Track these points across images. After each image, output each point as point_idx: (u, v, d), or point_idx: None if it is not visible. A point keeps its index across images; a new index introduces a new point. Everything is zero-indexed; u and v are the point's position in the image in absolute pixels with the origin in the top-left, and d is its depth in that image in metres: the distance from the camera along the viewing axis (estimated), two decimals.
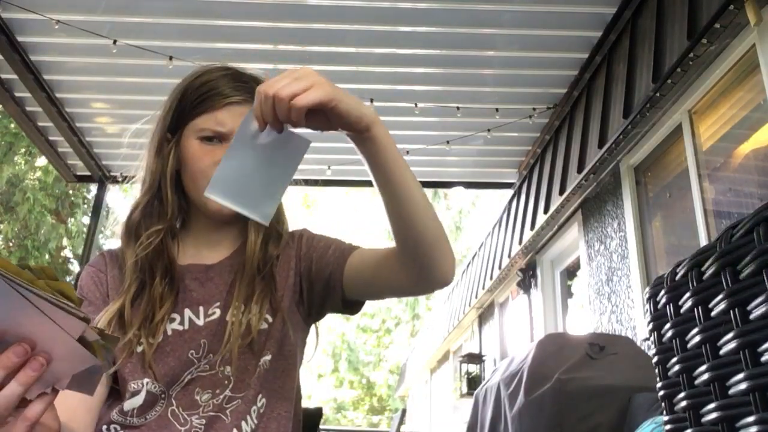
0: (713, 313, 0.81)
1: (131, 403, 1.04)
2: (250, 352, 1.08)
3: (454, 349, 9.55)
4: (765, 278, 0.69)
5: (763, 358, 0.70)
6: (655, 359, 0.98)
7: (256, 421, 1.08)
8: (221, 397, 1.06)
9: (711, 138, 3.27)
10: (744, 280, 0.74)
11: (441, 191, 18.39)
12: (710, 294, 0.81)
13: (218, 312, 1.11)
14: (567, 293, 5.50)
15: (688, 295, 0.87)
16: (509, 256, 5.82)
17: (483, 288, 6.95)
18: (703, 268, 0.83)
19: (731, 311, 0.75)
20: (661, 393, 0.95)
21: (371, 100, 4.57)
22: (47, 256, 12.29)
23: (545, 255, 5.59)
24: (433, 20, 3.93)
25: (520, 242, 5.46)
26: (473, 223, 19.68)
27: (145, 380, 1.05)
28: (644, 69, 3.36)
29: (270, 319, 1.12)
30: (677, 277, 0.91)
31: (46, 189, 12.25)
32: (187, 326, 1.09)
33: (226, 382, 1.06)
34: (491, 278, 6.56)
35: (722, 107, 3.17)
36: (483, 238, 7.53)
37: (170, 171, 1.12)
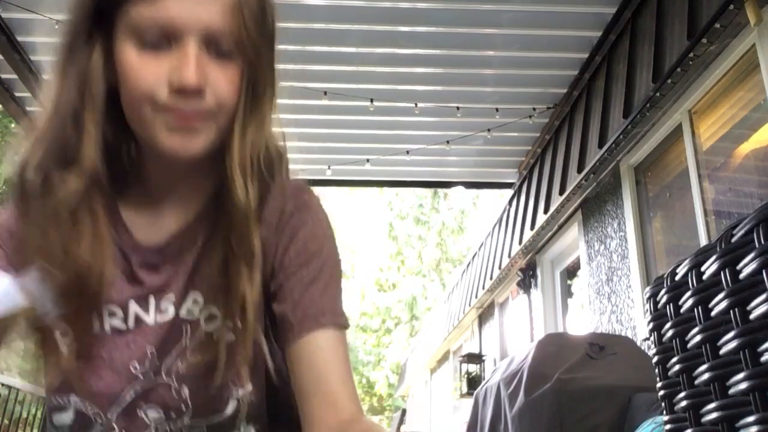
0: (713, 313, 0.81)
1: (60, 419, 0.81)
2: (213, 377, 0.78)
3: (454, 349, 9.55)
4: (765, 278, 0.69)
5: (763, 358, 0.70)
6: (655, 359, 0.98)
7: None
8: (178, 422, 0.80)
9: (711, 138, 3.26)
10: (744, 280, 0.74)
11: (441, 191, 18.41)
12: (710, 294, 0.81)
13: (171, 308, 0.80)
14: (567, 293, 5.50)
15: (688, 294, 0.87)
16: (509, 256, 5.82)
17: (483, 288, 6.95)
18: (703, 268, 0.83)
19: (731, 311, 0.75)
20: (661, 393, 0.95)
21: (371, 100, 4.57)
22: None
23: (545, 255, 5.59)
24: (433, 20, 3.93)
25: (520, 242, 5.46)
26: (473, 223, 19.69)
27: (72, 397, 0.79)
28: (644, 69, 3.36)
29: (238, 328, 0.79)
30: (677, 277, 0.91)
31: None
32: (131, 325, 0.79)
33: (182, 406, 0.79)
34: (491, 278, 6.56)
35: (722, 107, 3.17)
36: (483, 238, 7.53)
37: (93, 91, 0.74)
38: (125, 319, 0.79)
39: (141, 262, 0.81)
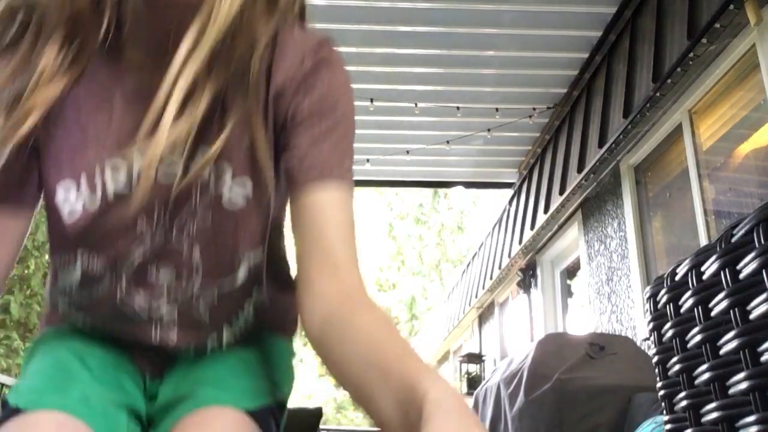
0: (713, 313, 0.81)
1: (65, 278, 0.79)
2: (228, 238, 0.77)
3: (454, 349, 9.55)
4: (765, 278, 0.69)
5: (763, 358, 0.70)
6: (655, 359, 0.98)
7: (251, 315, 0.84)
8: (190, 285, 0.78)
9: (711, 138, 3.26)
10: (744, 280, 0.74)
11: (441, 191, 18.41)
12: (710, 294, 0.81)
13: (180, 165, 0.74)
14: (567, 293, 5.50)
15: (688, 294, 0.87)
16: (509, 256, 5.82)
17: (483, 288, 6.95)
18: (703, 268, 0.83)
19: (731, 311, 0.75)
20: (661, 393, 0.95)
21: (371, 100, 4.57)
22: (47, 256, 12.31)
23: (545, 255, 5.59)
24: (433, 20, 3.93)
25: (520, 242, 5.46)
26: (473, 223, 19.69)
27: (78, 253, 0.77)
28: (644, 69, 3.36)
29: (249, 184, 0.76)
30: (677, 277, 0.91)
31: None
32: (135, 181, 0.74)
33: (194, 267, 0.78)
34: (491, 278, 6.56)
35: (722, 107, 3.17)
36: (483, 238, 7.53)
37: None
38: (129, 174, 0.74)
39: (135, 102, 0.74)
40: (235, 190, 0.75)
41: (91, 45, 0.72)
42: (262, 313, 0.86)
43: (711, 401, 0.80)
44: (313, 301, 0.68)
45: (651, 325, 0.99)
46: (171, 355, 0.86)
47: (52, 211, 0.74)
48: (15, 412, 0.70)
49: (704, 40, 2.83)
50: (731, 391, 0.76)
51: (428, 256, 19.90)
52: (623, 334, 3.80)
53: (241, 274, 0.80)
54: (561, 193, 4.46)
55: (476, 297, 7.32)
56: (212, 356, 0.84)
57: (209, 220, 0.75)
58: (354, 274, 0.69)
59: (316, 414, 4.10)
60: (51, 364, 0.79)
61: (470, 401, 3.01)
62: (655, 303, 0.98)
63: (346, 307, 0.65)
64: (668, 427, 0.92)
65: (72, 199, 0.73)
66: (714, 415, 0.79)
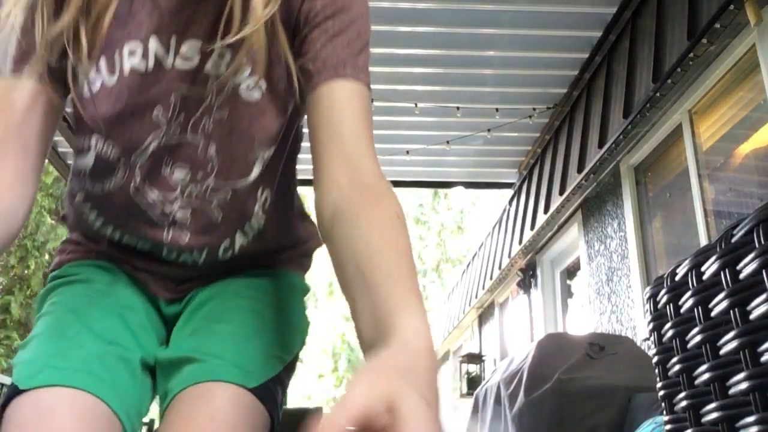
0: (713, 313, 0.81)
1: (81, 162, 0.80)
2: (244, 135, 0.78)
3: (454, 349, 9.55)
4: (765, 278, 0.69)
5: (763, 358, 0.70)
6: (655, 359, 0.98)
7: (262, 220, 0.84)
8: (203, 183, 0.79)
9: (711, 138, 3.26)
10: (744, 280, 0.74)
11: (441, 191, 18.40)
12: (710, 294, 0.81)
13: (197, 58, 0.75)
14: (567, 293, 5.50)
15: (688, 295, 0.87)
16: (509, 256, 5.82)
17: (483, 288, 6.95)
18: (703, 268, 0.83)
19: (731, 311, 0.75)
20: (661, 393, 0.95)
21: (371, 100, 4.56)
22: (46, 256, 12.31)
23: (545, 255, 5.59)
24: (433, 20, 3.92)
25: (520, 242, 5.46)
26: (473, 223, 19.67)
27: (93, 139, 0.78)
28: (644, 69, 3.36)
29: (265, 84, 0.77)
30: (677, 277, 0.91)
31: (45, 189, 12.26)
32: (151, 66, 0.75)
33: (208, 165, 0.79)
34: (491, 278, 6.56)
35: (722, 107, 3.17)
36: (483, 238, 7.53)
37: None
38: (145, 57, 0.74)
39: None
40: (251, 86, 0.76)
41: None
42: (275, 234, 0.86)
43: (711, 401, 0.80)
44: (326, 190, 0.69)
45: (651, 325, 0.99)
46: (185, 277, 0.87)
47: (76, 96, 0.75)
48: (16, 392, 0.71)
49: (704, 40, 2.83)
50: (731, 391, 0.76)
51: (428, 257, 19.89)
52: (623, 334, 3.80)
53: (255, 172, 0.81)
54: (561, 193, 4.46)
55: (476, 297, 7.32)
56: (226, 304, 0.84)
57: (225, 115, 0.76)
58: (367, 165, 0.70)
59: (316, 414, 4.11)
60: (50, 332, 0.79)
61: (470, 401, 3.01)
62: (655, 303, 0.98)
63: (355, 199, 0.65)
64: (668, 427, 0.92)
65: (92, 78, 0.75)
66: (714, 415, 0.79)
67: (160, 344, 0.87)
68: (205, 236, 0.83)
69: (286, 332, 0.86)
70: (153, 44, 0.75)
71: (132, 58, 0.75)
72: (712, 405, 0.79)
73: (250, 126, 0.78)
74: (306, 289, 0.97)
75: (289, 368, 0.85)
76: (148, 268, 0.87)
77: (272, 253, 0.91)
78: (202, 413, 0.70)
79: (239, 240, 0.86)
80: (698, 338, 0.83)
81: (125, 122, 0.76)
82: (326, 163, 0.71)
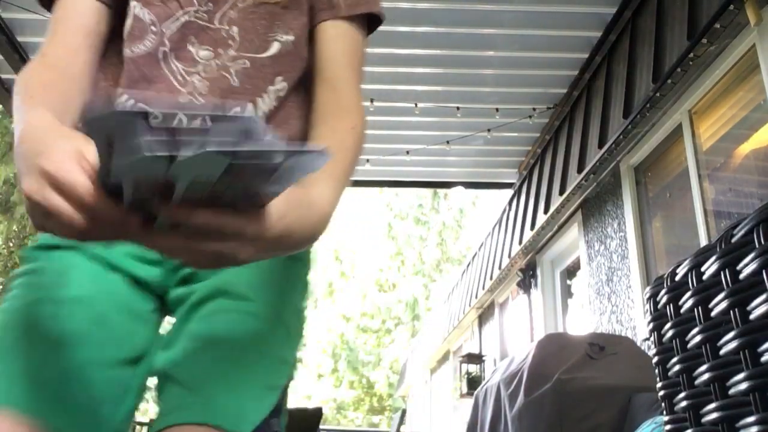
0: (713, 313, 0.81)
1: (121, 28, 0.88)
2: (264, 21, 0.87)
3: (454, 349, 9.55)
4: (765, 278, 0.69)
5: (763, 358, 0.70)
6: (655, 359, 0.98)
7: (275, 104, 0.89)
8: (225, 56, 0.86)
9: (711, 138, 3.26)
10: (744, 280, 0.74)
11: (441, 191, 18.40)
12: (710, 294, 0.81)
13: None
14: (567, 293, 5.50)
15: (688, 295, 0.87)
16: (509, 256, 5.82)
17: (483, 288, 6.95)
18: (703, 268, 0.83)
19: (731, 311, 0.75)
20: (661, 393, 0.95)
21: (371, 100, 4.57)
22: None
23: (545, 255, 5.59)
24: (433, 20, 3.93)
25: (520, 242, 5.46)
26: (473, 223, 19.68)
27: (132, 4, 0.86)
28: (644, 69, 3.36)
29: None
30: (677, 277, 0.91)
31: None
32: None
33: (230, 42, 0.87)
34: (491, 278, 6.56)
35: (722, 107, 3.16)
36: (483, 238, 7.53)
37: None
38: None
39: None
40: None
41: None
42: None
43: (711, 401, 0.80)
44: (313, 110, 0.87)
45: (651, 325, 0.99)
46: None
47: None
48: None
49: (704, 41, 2.83)
50: (731, 391, 0.76)
51: (428, 256, 19.90)
52: (623, 334, 3.80)
53: (272, 49, 0.89)
54: (561, 193, 4.46)
55: (476, 297, 7.32)
56: (228, 316, 0.80)
57: (249, 4, 0.87)
58: (353, 96, 0.88)
59: (316, 414, 4.10)
60: (11, 344, 0.75)
61: (470, 401, 3.01)
62: (655, 303, 0.98)
63: (329, 112, 0.85)
64: (668, 427, 0.92)
65: None
66: (714, 415, 0.79)
67: (148, 319, 0.84)
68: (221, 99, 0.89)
69: (285, 345, 0.84)
70: None
71: None
72: (712, 405, 0.79)
73: (270, 14, 0.88)
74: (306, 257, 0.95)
75: (286, 388, 0.85)
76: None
77: None
78: None
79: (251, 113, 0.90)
80: (698, 338, 0.83)
81: None
82: (317, 91, 0.88)
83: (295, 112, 0.92)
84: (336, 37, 0.89)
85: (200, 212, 0.52)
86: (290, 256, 0.82)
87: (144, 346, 0.82)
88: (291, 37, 0.89)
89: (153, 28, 0.86)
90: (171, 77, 0.85)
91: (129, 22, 0.87)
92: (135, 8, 0.86)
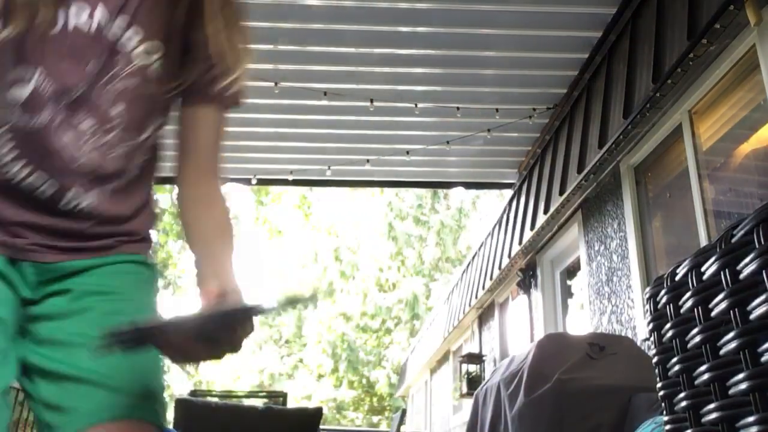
0: (713, 313, 0.81)
1: (15, 93, 0.87)
2: (146, 104, 0.94)
3: (454, 349, 9.54)
4: (765, 278, 0.69)
5: (763, 358, 0.70)
6: (655, 359, 0.98)
7: (137, 172, 0.99)
8: (105, 137, 0.92)
9: (711, 138, 3.26)
10: (744, 281, 0.74)
11: (441, 191, 18.40)
12: (710, 294, 0.81)
13: (120, 27, 0.89)
14: (567, 293, 5.50)
15: (688, 295, 0.87)
16: (509, 256, 5.82)
17: (483, 288, 6.95)
18: (703, 268, 0.83)
19: (731, 311, 0.75)
20: (661, 393, 0.95)
21: (371, 100, 4.57)
22: None
23: (545, 255, 5.59)
24: (433, 20, 3.93)
25: (520, 242, 5.46)
26: (473, 223, 19.66)
27: (38, 71, 0.86)
28: (644, 69, 3.36)
29: (158, 52, 0.93)
30: (677, 277, 0.91)
31: None
32: (94, 28, 0.87)
33: (114, 121, 0.92)
34: (491, 278, 6.56)
35: (722, 107, 3.16)
36: (483, 238, 7.53)
37: None
38: (91, 16, 0.87)
39: None
40: (156, 63, 0.93)
41: None
42: (134, 197, 1.01)
43: (711, 401, 0.80)
44: (180, 176, 1.01)
45: (651, 325, 0.99)
46: (71, 231, 0.93)
47: (36, 29, 0.86)
48: None
49: (704, 41, 2.83)
50: (731, 391, 0.76)
51: (428, 256, 19.90)
52: (623, 334, 3.80)
53: (148, 131, 0.98)
54: (561, 193, 4.46)
55: (476, 297, 7.31)
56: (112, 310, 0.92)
57: (134, 82, 0.91)
58: (219, 178, 1.02)
59: (316, 414, 4.11)
60: None
61: (470, 401, 3.01)
62: (655, 303, 0.98)
63: (203, 198, 1.00)
64: (668, 427, 0.92)
65: (57, 18, 0.86)
66: (714, 415, 0.79)
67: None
68: (99, 181, 0.95)
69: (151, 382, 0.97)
70: (101, 11, 0.88)
71: (79, 19, 0.86)
72: (712, 405, 0.79)
73: (151, 93, 0.94)
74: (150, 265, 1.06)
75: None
76: (34, 221, 0.91)
77: (128, 219, 1.03)
78: None
79: (121, 187, 0.99)
80: (698, 338, 0.83)
81: (65, 65, 0.87)
82: (183, 165, 1.02)
83: (149, 182, 1.05)
84: (213, 123, 1.01)
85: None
86: (144, 265, 1.02)
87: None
88: (163, 119, 1.00)
89: (51, 103, 0.88)
90: (62, 151, 0.89)
91: (26, 91, 0.87)
92: (37, 79, 0.87)
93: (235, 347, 0.78)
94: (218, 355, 0.78)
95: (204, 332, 0.76)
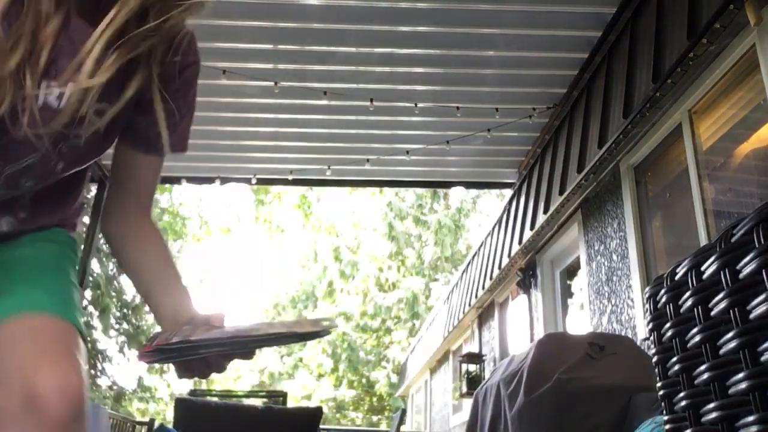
0: (713, 313, 0.81)
1: None
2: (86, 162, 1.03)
3: (454, 349, 9.55)
4: (765, 278, 0.69)
5: (762, 358, 0.70)
6: (655, 359, 0.98)
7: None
8: (38, 185, 0.99)
9: (711, 138, 3.26)
10: (744, 280, 0.74)
11: (441, 191, 18.40)
12: (710, 294, 0.81)
13: (73, 97, 0.92)
14: (567, 293, 5.50)
15: (688, 294, 0.87)
16: (509, 256, 5.82)
17: (483, 288, 6.95)
18: (703, 268, 0.83)
19: (731, 311, 0.75)
20: (661, 393, 0.95)
21: (371, 100, 4.57)
22: None
23: (545, 255, 5.59)
24: (433, 20, 3.92)
25: (520, 242, 5.46)
26: (473, 223, 19.67)
27: None
28: (644, 69, 3.36)
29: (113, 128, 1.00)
30: (677, 277, 0.91)
31: None
32: (63, 104, 0.91)
33: (53, 177, 0.99)
34: (491, 278, 6.56)
35: (722, 107, 3.16)
36: (483, 238, 7.53)
37: None
38: (59, 97, 0.90)
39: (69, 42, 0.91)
40: (103, 126, 0.96)
41: None
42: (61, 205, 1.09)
43: (711, 401, 0.80)
44: (117, 212, 1.09)
45: (651, 325, 0.99)
46: None
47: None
48: None
49: (704, 40, 2.83)
50: (731, 391, 0.76)
51: (428, 256, 19.90)
52: (623, 334, 3.80)
53: (81, 185, 1.10)
54: (561, 193, 4.46)
55: (476, 297, 7.32)
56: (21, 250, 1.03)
57: (81, 143, 0.95)
58: (149, 213, 1.10)
59: (316, 414, 4.11)
60: None
61: (470, 401, 3.01)
62: (655, 303, 0.98)
63: (143, 234, 1.08)
64: (668, 427, 0.92)
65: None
66: (714, 415, 0.79)
67: None
68: (33, 217, 1.03)
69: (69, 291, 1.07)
70: (69, 89, 0.90)
71: (48, 96, 0.89)
72: (712, 405, 0.79)
73: (95, 151, 1.00)
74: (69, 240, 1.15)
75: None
76: None
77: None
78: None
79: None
80: (698, 338, 0.83)
81: (19, 142, 0.89)
82: (123, 200, 1.10)
83: (78, 193, 1.13)
84: (154, 167, 1.09)
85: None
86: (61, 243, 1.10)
87: None
88: (91, 163, 1.06)
89: None
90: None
91: None
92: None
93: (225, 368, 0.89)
94: (225, 368, 0.88)
95: (239, 350, 0.84)
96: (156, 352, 0.79)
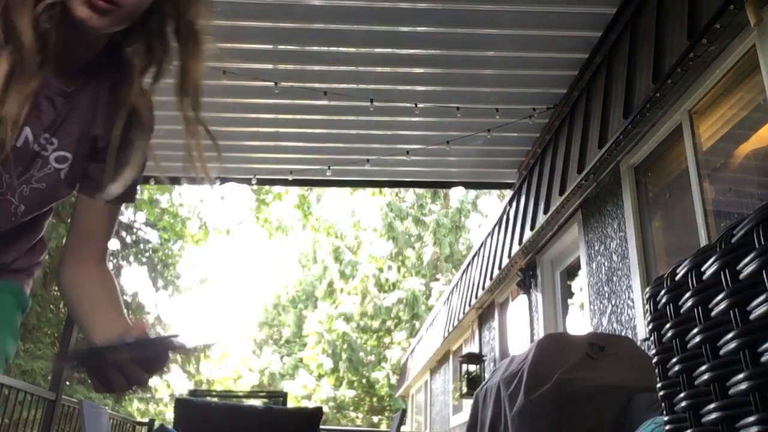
0: (713, 313, 0.81)
1: None
2: (43, 205, 1.08)
3: (454, 349, 9.54)
4: (765, 278, 0.69)
5: (763, 358, 0.70)
6: (655, 359, 0.98)
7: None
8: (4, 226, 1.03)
9: (711, 138, 3.26)
10: (744, 281, 0.74)
11: (441, 191, 18.40)
12: (710, 294, 0.81)
13: (36, 139, 1.01)
14: (567, 293, 5.50)
15: (688, 295, 0.87)
16: (509, 256, 5.82)
17: (483, 288, 6.95)
18: (703, 268, 0.83)
19: (731, 311, 0.75)
20: (661, 393, 0.95)
21: (371, 100, 4.57)
22: (47, 256, 12.29)
23: (545, 255, 5.59)
24: (433, 20, 3.92)
25: (520, 242, 5.46)
26: (473, 223, 19.67)
27: None
28: (644, 69, 3.36)
29: (74, 171, 1.07)
30: (677, 277, 0.91)
31: None
32: (21, 143, 0.99)
33: (13, 220, 1.04)
34: (491, 278, 6.56)
35: (722, 107, 3.16)
36: (483, 238, 7.53)
37: None
38: (26, 140, 0.98)
39: (45, 99, 1.00)
40: (65, 170, 1.04)
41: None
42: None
43: (711, 401, 0.80)
44: (69, 259, 1.11)
45: (651, 325, 0.99)
46: None
47: None
48: None
49: (704, 41, 2.83)
50: (731, 391, 0.76)
51: (428, 256, 19.90)
52: (623, 334, 3.80)
53: (41, 228, 1.14)
54: (561, 193, 4.46)
55: (476, 297, 7.31)
56: None
57: (42, 185, 1.02)
58: (103, 259, 1.14)
59: (316, 414, 4.11)
60: None
61: (470, 401, 3.01)
62: (655, 303, 0.98)
63: (94, 278, 1.11)
64: (668, 427, 0.92)
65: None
66: (714, 415, 0.79)
67: None
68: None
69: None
70: (28, 130, 0.98)
71: (19, 139, 0.97)
72: (712, 405, 0.79)
73: (54, 196, 1.06)
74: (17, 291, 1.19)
75: None
76: None
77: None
78: None
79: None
80: (698, 338, 0.83)
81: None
82: (78, 248, 1.12)
83: (38, 232, 1.17)
84: (111, 213, 1.14)
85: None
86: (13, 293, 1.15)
87: None
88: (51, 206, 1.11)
89: None
90: None
91: None
92: None
93: (154, 375, 0.92)
94: (143, 382, 0.89)
95: (147, 354, 0.87)
96: (69, 359, 0.87)
